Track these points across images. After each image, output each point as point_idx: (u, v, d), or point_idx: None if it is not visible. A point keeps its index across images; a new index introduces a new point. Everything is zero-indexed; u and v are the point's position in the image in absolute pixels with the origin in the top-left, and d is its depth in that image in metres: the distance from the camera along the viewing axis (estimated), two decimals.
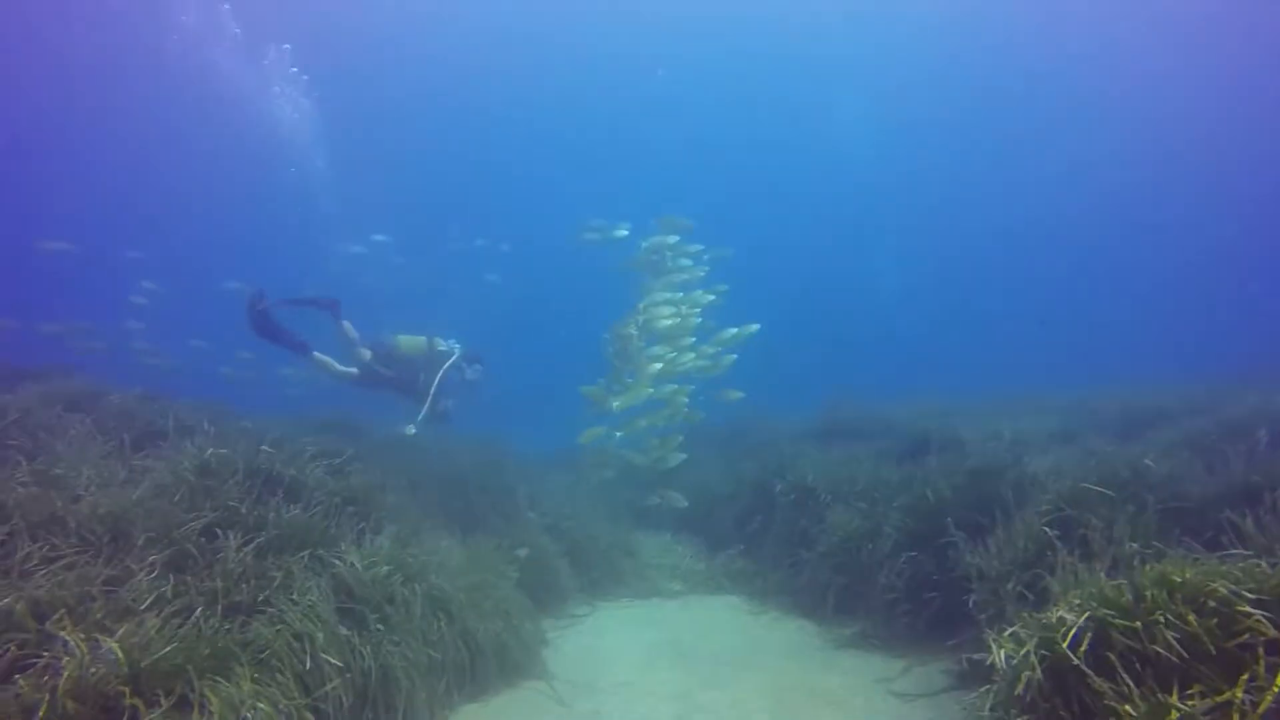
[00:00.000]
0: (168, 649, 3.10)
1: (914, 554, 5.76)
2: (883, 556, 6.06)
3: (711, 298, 10.32)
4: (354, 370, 9.35)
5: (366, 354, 9.41)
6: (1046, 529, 4.53)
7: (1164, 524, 4.49)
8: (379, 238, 17.50)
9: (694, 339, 10.14)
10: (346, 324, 9.51)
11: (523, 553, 6.88)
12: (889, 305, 29.00)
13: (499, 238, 20.91)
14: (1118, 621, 2.70)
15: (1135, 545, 3.97)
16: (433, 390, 9.10)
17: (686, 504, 9.07)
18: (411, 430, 8.85)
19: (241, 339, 13.97)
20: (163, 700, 2.90)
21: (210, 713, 3.01)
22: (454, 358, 9.46)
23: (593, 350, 10.44)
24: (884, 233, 30.31)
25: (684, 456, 9.76)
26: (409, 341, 9.59)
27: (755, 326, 10.02)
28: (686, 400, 9.82)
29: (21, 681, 2.83)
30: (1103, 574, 3.51)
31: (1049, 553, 4.37)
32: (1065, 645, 2.76)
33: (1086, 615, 2.76)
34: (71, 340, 12.90)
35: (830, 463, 7.96)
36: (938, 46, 28.99)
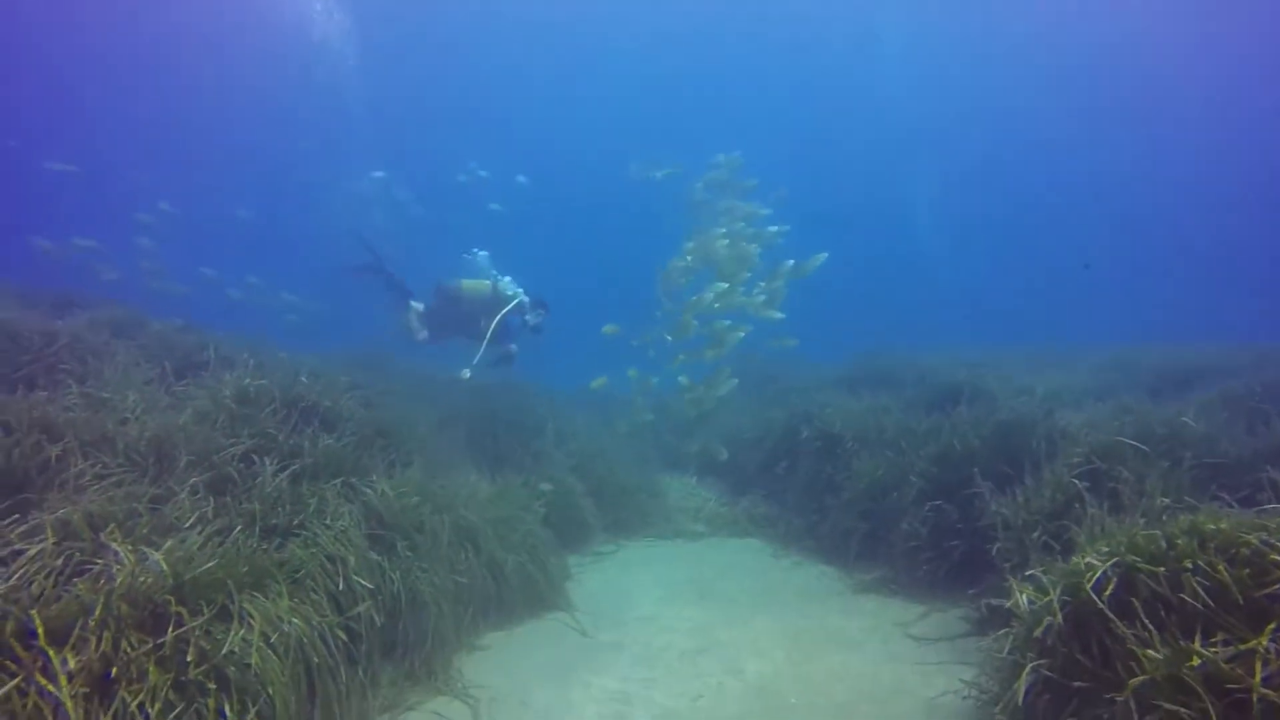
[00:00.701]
0: (210, 564, 3.23)
1: (939, 503, 5.76)
2: (907, 504, 6.07)
3: (775, 229, 9.96)
4: (425, 335, 9.78)
5: (423, 334, 9.78)
6: (1076, 481, 4.48)
7: (1199, 481, 4.44)
8: (378, 174, 17.14)
9: (749, 275, 9.70)
10: (415, 305, 9.83)
11: (546, 487, 7.00)
12: (930, 256, 28.44)
13: (510, 170, 20.47)
14: (1144, 566, 2.68)
15: (1166, 500, 3.92)
16: (489, 334, 9.02)
17: (726, 455, 8.94)
18: (467, 374, 8.85)
19: (251, 264, 14.06)
20: (205, 610, 3.04)
21: (251, 624, 3.15)
22: (514, 302, 9.36)
23: (626, 288, 10.21)
24: (927, 182, 29.54)
25: (735, 382, 9.51)
26: (472, 285, 9.59)
27: (823, 255, 9.51)
28: (741, 336, 9.47)
29: (79, 585, 2.98)
30: (1132, 526, 3.48)
31: (1076, 504, 4.36)
32: (1090, 589, 2.75)
33: (1114, 560, 2.74)
34: (89, 263, 12.86)
35: (859, 410, 7.93)
36: None
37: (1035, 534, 4.43)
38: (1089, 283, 27.76)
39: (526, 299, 9.46)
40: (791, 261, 9.48)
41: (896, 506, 6.21)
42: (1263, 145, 28.34)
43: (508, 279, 9.67)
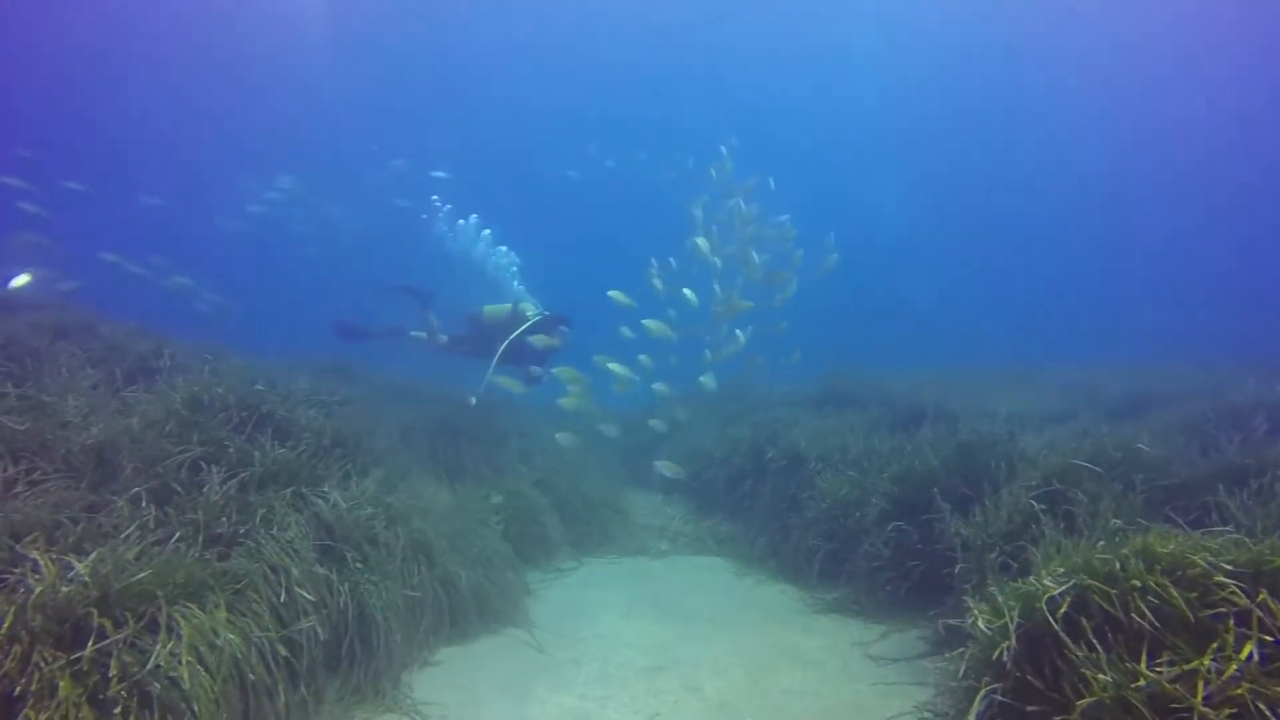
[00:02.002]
0: (141, 575, 3.09)
1: (900, 523, 5.75)
2: (869, 524, 6.05)
3: (785, 217, 9.92)
4: (446, 339, 9.88)
5: (443, 338, 9.91)
6: (1033, 502, 4.50)
7: (1152, 503, 4.47)
8: (285, 181, 16.78)
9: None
10: (432, 317, 9.93)
11: (497, 499, 6.90)
12: (896, 276, 28.73)
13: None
14: (1097, 587, 2.67)
15: (1119, 521, 3.94)
16: (497, 355, 8.91)
17: (681, 474, 8.66)
18: (473, 401, 8.69)
19: (156, 246, 13.61)
20: (131, 622, 2.91)
21: (179, 637, 3.01)
22: (527, 323, 9.21)
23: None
24: (894, 202, 29.92)
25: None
26: (492, 309, 9.58)
27: (834, 257, 9.58)
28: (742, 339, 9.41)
29: None
30: (1089, 547, 3.49)
31: (1033, 525, 4.36)
32: (1045, 610, 2.73)
33: (1071, 583, 2.73)
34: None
35: (823, 430, 7.93)
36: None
37: (993, 555, 4.43)
38: (1062, 302, 28.24)
39: (544, 318, 9.31)
40: (801, 251, 9.52)
41: (859, 526, 6.19)
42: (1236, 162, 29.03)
43: (524, 302, 9.63)
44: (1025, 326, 24.85)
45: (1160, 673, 2.29)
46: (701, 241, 9.26)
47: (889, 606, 5.65)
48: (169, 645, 2.91)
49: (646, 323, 8.84)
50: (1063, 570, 3.09)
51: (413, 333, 10.10)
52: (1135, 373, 10.23)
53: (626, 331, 9.31)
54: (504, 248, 10.37)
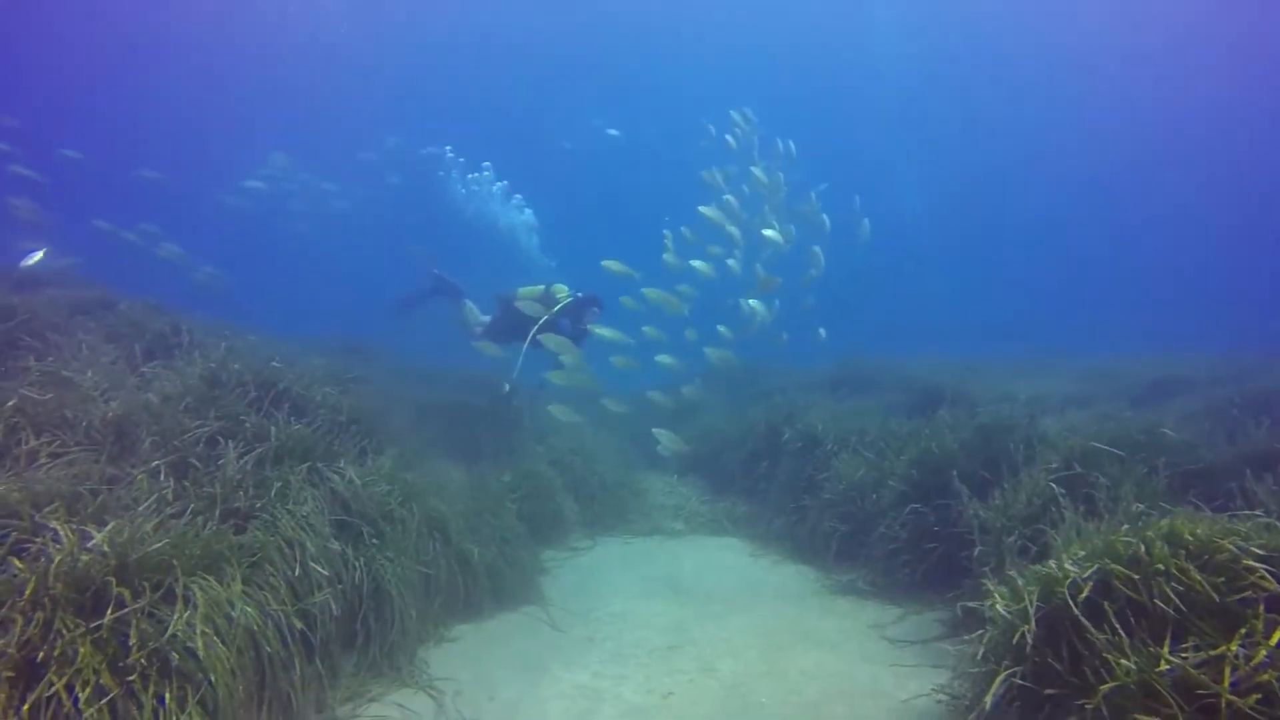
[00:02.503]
0: (158, 545, 3.11)
1: (917, 506, 5.70)
2: (886, 506, 6.01)
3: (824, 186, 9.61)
4: (481, 329, 9.74)
5: (479, 328, 9.79)
6: (1053, 485, 4.43)
7: (1175, 487, 4.40)
8: (279, 159, 16.52)
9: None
10: (468, 303, 9.85)
11: (506, 478, 6.92)
12: (915, 262, 28.33)
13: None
14: (1120, 571, 2.62)
15: (1141, 506, 3.87)
16: (528, 339, 8.65)
17: (682, 448, 8.30)
18: (507, 388, 8.59)
19: (153, 218, 13.55)
20: (148, 592, 2.93)
21: (195, 607, 3.04)
22: (560, 305, 8.98)
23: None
24: (914, 187, 29.48)
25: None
26: (526, 291, 9.29)
27: (867, 223, 9.26)
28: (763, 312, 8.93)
29: (17, 563, 2.87)
30: (1110, 531, 3.43)
31: (1053, 508, 4.30)
32: (1066, 594, 2.69)
33: (1094, 567, 2.67)
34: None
35: (840, 413, 7.88)
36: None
37: (1012, 538, 4.38)
38: (1081, 291, 27.76)
39: (576, 299, 9.08)
40: (827, 218, 9.29)
41: (875, 508, 6.15)
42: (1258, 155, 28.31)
43: (557, 284, 9.33)
44: (1043, 316, 24.47)
45: (1186, 658, 2.24)
46: (711, 210, 8.95)
47: (906, 588, 5.61)
48: (184, 614, 2.92)
49: (648, 292, 8.45)
50: (1083, 554, 3.04)
51: (467, 302, 10.00)
52: (1155, 361, 10.06)
53: (628, 301, 8.88)
54: (518, 196, 10.13)
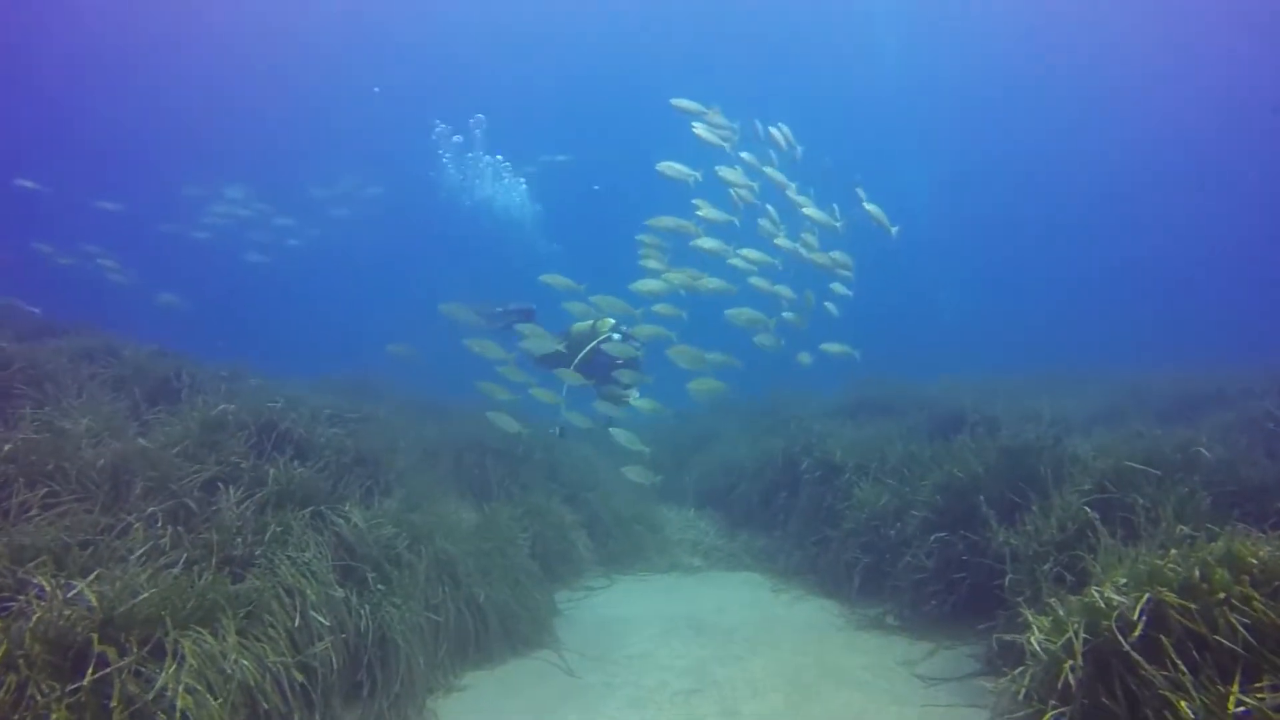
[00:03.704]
0: (145, 596, 2.96)
1: (944, 534, 5.46)
2: (911, 536, 5.77)
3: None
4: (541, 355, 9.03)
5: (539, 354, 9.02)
6: (1087, 509, 4.20)
7: (1218, 508, 4.16)
8: (235, 192, 16.26)
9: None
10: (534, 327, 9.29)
11: (518, 516, 6.68)
12: (930, 279, 27.98)
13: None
14: (1174, 600, 2.40)
15: (1185, 528, 3.64)
16: (571, 372, 8.14)
17: (653, 480, 7.62)
18: (557, 431, 8.23)
19: (91, 236, 13.37)
20: (135, 648, 2.77)
21: (188, 664, 2.87)
22: (601, 337, 8.63)
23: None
24: (928, 203, 29.10)
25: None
26: (579, 327, 9.02)
27: (895, 229, 8.42)
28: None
29: None
30: (1153, 555, 3.21)
31: (1089, 533, 4.08)
32: (1114, 627, 2.47)
33: (1144, 596, 2.45)
34: None
35: (859, 439, 7.65)
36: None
37: (1047, 565, 4.15)
38: (1101, 305, 27.16)
39: (621, 332, 8.71)
40: (839, 223, 8.53)
41: (900, 538, 5.91)
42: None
43: (604, 318, 8.89)
44: (1062, 331, 23.99)
45: (1262, 699, 2.03)
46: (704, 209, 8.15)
47: (935, 622, 5.36)
48: (173, 671, 2.75)
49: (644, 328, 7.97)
50: (1125, 580, 2.83)
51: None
52: (1182, 375, 9.77)
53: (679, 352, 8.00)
54: (523, 181, 9.70)
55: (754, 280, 8.39)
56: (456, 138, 16.55)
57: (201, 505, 4.25)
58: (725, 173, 8.14)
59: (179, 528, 3.95)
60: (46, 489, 4.01)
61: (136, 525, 3.85)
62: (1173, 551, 2.80)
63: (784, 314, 8.46)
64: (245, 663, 3.16)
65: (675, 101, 8.16)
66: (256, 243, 17.49)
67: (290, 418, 5.64)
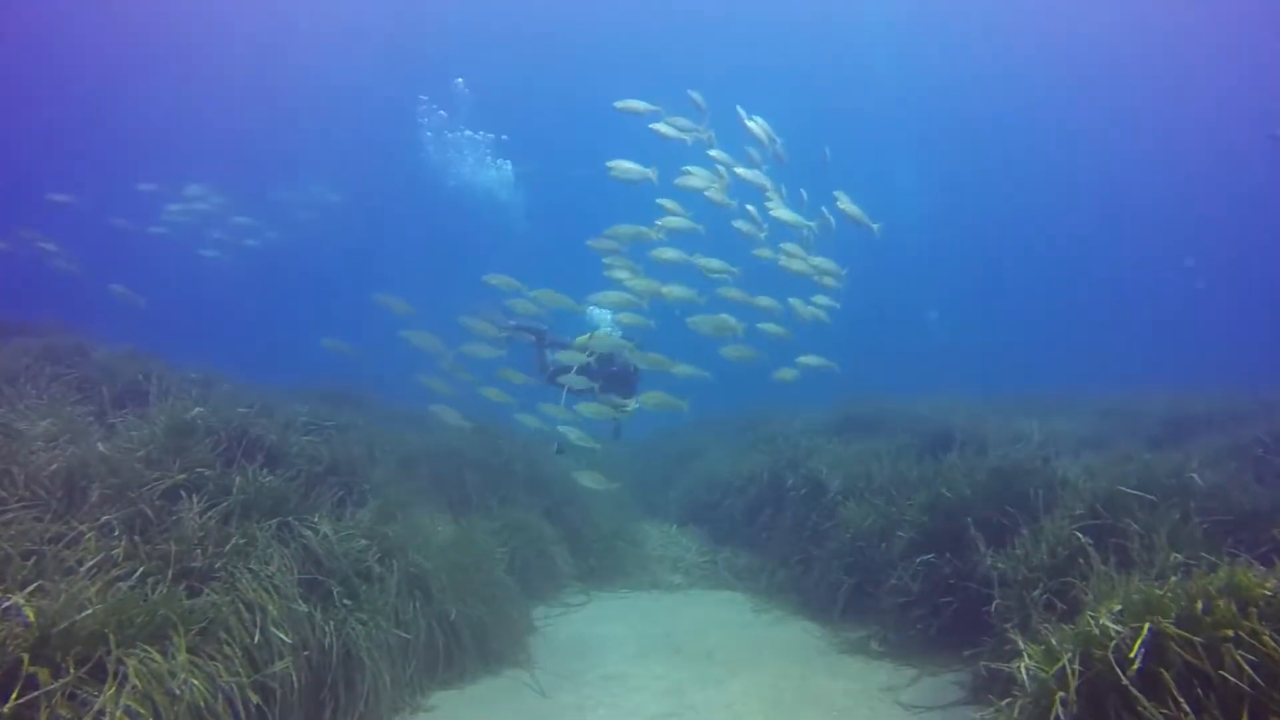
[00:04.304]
0: (88, 612, 2.78)
1: (930, 556, 5.34)
2: (897, 557, 5.64)
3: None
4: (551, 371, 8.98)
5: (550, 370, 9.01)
6: (1079, 534, 4.10)
7: (1212, 535, 4.06)
8: (194, 190, 15.71)
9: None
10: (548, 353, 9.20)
11: (495, 529, 6.49)
12: (917, 299, 27.91)
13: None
14: (1174, 632, 2.28)
15: (1179, 556, 3.53)
16: (568, 385, 7.98)
17: (607, 484, 7.37)
18: (556, 448, 8.06)
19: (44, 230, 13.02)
20: (71, 668, 2.59)
21: (130, 684, 2.69)
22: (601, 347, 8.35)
23: None
24: (915, 224, 29.02)
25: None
26: (600, 336, 8.62)
27: (877, 226, 8.02)
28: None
29: None
30: (1142, 582, 3.10)
31: (1080, 559, 3.97)
32: (1110, 658, 2.34)
33: (1145, 628, 2.33)
34: None
35: (846, 457, 7.54)
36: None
37: (1037, 591, 4.03)
38: (1091, 326, 27.07)
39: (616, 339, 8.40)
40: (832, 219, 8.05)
41: (885, 559, 5.78)
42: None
43: (604, 322, 8.68)
44: (1051, 350, 23.93)
45: None
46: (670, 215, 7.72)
47: (920, 646, 5.22)
48: (110, 692, 2.58)
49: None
50: (1120, 608, 2.71)
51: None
52: (1171, 398, 9.74)
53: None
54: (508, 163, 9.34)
55: (725, 291, 8.02)
56: (441, 112, 16.28)
57: (162, 514, 4.06)
58: (690, 179, 7.77)
59: (136, 538, 3.76)
60: None
61: (89, 535, 3.66)
62: (1172, 580, 2.68)
63: (762, 325, 8.07)
64: (196, 682, 2.98)
65: (620, 104, 7.88)
66: (220, 241, 17.11)
67: (262, 424, 5.48)
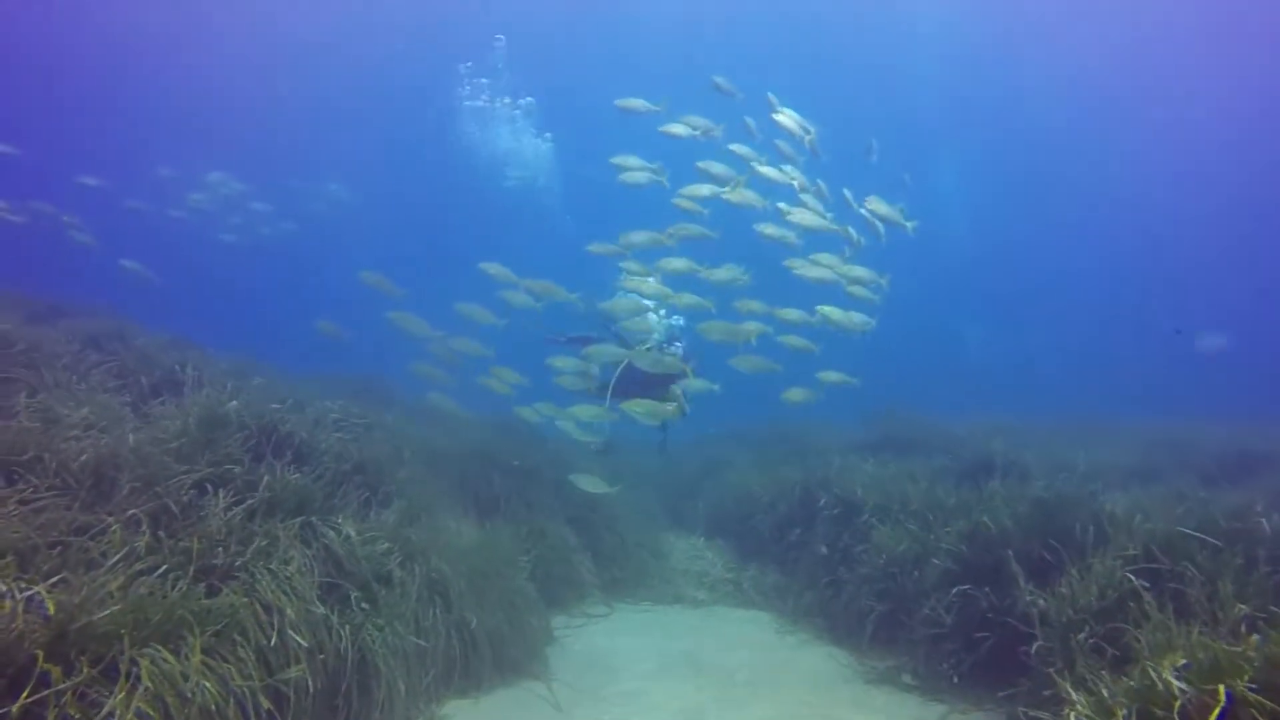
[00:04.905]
0: (106, 612, 2.74)
1: (967, 587, 5.12)
2: (930, 586, 5.44)
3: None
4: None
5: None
6: (1131, 576, 3.87)
7: None
8: (216, 178, 15.72)
9: None
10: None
11: (521, 535, 6.36)
12: (955, 311, 27.20)
13: None
14: (1256, 700, 2.08)
15: (1244, 608, 3.30)
16: (611, 385, 7.74)
17: (605, 488, 7.09)
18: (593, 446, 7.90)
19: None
20: (84, 668, 2.55)
21: (143, 686, 2.65)
22: (645, 345, 7.97)
23: None
24: (957, 234, 28.29)
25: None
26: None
27: (913, 224, 7.56)
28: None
29: None
30: (1204, 635, 2.89)
31: (1132, 603, 3.75)
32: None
33: (1223, 692, 2.13)
34: None
35: (881, 477, 7.32)
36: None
37: (1082, 634, 3.82)
38: (1136, 351, 25.98)
39: (664, 336, 8.02)
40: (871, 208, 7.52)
41: (918, 588, 5.57)
42: None
43: (655, 316, 8.14)
44: (1100, 374, 23.00)
45: None
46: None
47: (951, 682, 5.00)
48: (121, 695, 2.53)
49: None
50: (1185, 662, 2.52)
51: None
52: (1227, 430, 9.32)
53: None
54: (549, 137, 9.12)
55: (744, 304, 7.56)
56: (482, 80, 15.97)
57: (188, 509, 4.05)
58: (695, 189, 7.49)
59: (160, 532, 3.74)
60: (27, 484, 3.83)
61: (115, 527, 3.65)
62: (1252, 639, 2.47)
63: (785, 337, 7.59)
64: (208, 685, 2.94)
65: (620, 102, 7.78)
66: (240, 226, 17.31)
67: (292, 420, 5.46)
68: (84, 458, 3.97)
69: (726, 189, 7.40)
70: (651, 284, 7.51)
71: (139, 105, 26.42)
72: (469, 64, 16.16)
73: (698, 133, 7.59)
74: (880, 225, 7.72)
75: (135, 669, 2.69)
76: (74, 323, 6.82)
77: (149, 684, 2.66)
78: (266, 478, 4.51)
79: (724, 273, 7.57)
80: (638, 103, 7.72)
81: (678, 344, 8.22)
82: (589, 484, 7.04)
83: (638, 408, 6.83)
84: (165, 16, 24.93)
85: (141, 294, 12.07)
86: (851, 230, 7.73)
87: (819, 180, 7.77)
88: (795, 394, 7.66)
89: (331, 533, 4.45)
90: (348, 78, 27.59)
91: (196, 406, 5.13)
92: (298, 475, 4.82)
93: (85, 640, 2.65)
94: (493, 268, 7.99)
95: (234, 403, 5.22)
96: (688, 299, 7.43)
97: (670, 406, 7.20)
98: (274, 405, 5.37)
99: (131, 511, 3.86)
